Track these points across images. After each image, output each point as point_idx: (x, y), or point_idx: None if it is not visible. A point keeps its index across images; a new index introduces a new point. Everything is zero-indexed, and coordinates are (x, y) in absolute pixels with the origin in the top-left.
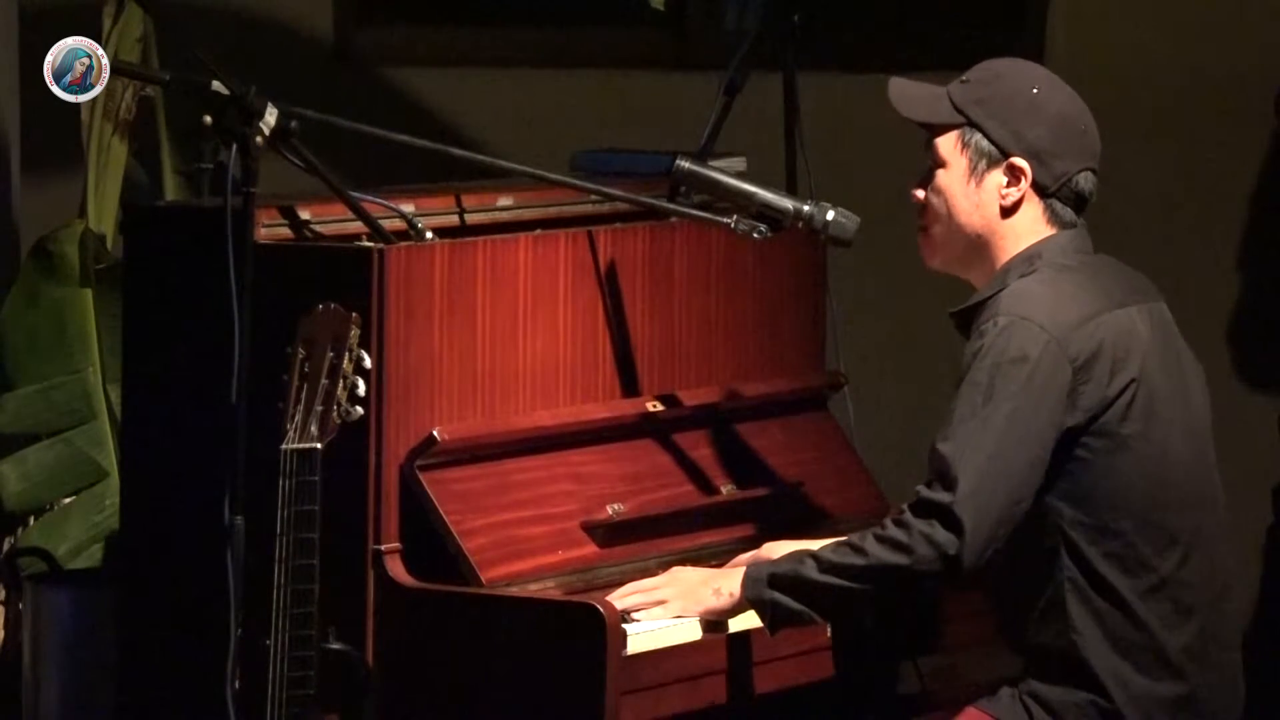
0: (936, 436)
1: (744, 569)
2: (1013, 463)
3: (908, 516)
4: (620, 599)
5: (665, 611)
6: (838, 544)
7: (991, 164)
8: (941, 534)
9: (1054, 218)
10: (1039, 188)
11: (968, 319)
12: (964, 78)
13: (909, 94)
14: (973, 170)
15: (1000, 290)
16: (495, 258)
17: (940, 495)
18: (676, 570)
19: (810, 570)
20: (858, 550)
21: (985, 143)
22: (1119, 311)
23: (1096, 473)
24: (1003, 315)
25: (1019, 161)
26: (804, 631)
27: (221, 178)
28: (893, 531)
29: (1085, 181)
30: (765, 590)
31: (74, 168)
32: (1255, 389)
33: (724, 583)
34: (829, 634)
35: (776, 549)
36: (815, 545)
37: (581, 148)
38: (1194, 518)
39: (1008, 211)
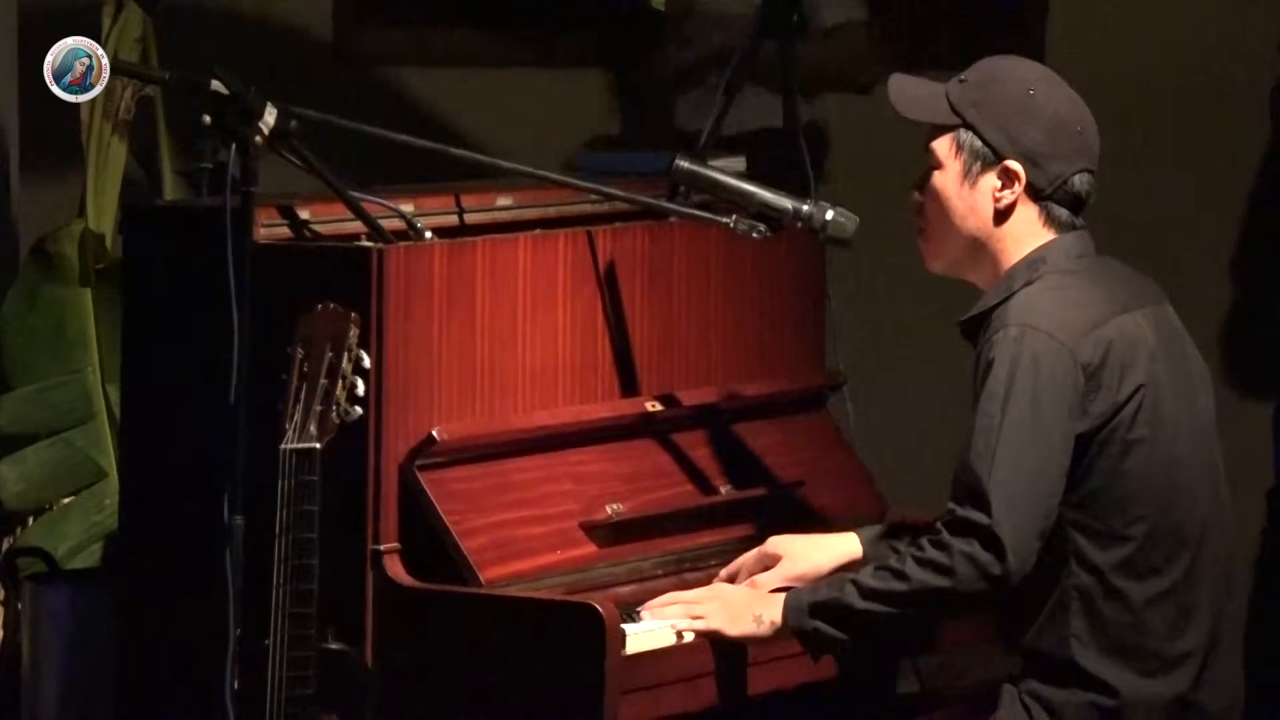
0: (961, 452)
1: (784, 596)
2: (1041, 474)
3: (945, 536)
4: (659, 608)
5: (703, 627)
6: (877, 569)
7: (986, 166)
8: (983, 554)
9: (1050, 220)
10: (1034, 190)
11: (975, 327)
12: (962, 76)
13: (908, 92)
14: (967, 173)
15: (1007, 298)
16: (495, 258)
17: (976, 515)
18: (720, 587)
19: (852, 597)
20: (899, 575)
21: (980, 145)
22: (1124, 317)
23: (1106, 479)
24: (1013, 325)
25: (1013, 165)
26: None
27: (221, 178)
28: (932, 553)
29: (1081, 183)
30: (807, 620)
31: (74, 168)
32: (1250, 391)
33: (765, 609)
34: None
35: (781, 544)
36: (826, 539)
37: (581, 148)
38: (1202, 521)
39: (1002, 214)
